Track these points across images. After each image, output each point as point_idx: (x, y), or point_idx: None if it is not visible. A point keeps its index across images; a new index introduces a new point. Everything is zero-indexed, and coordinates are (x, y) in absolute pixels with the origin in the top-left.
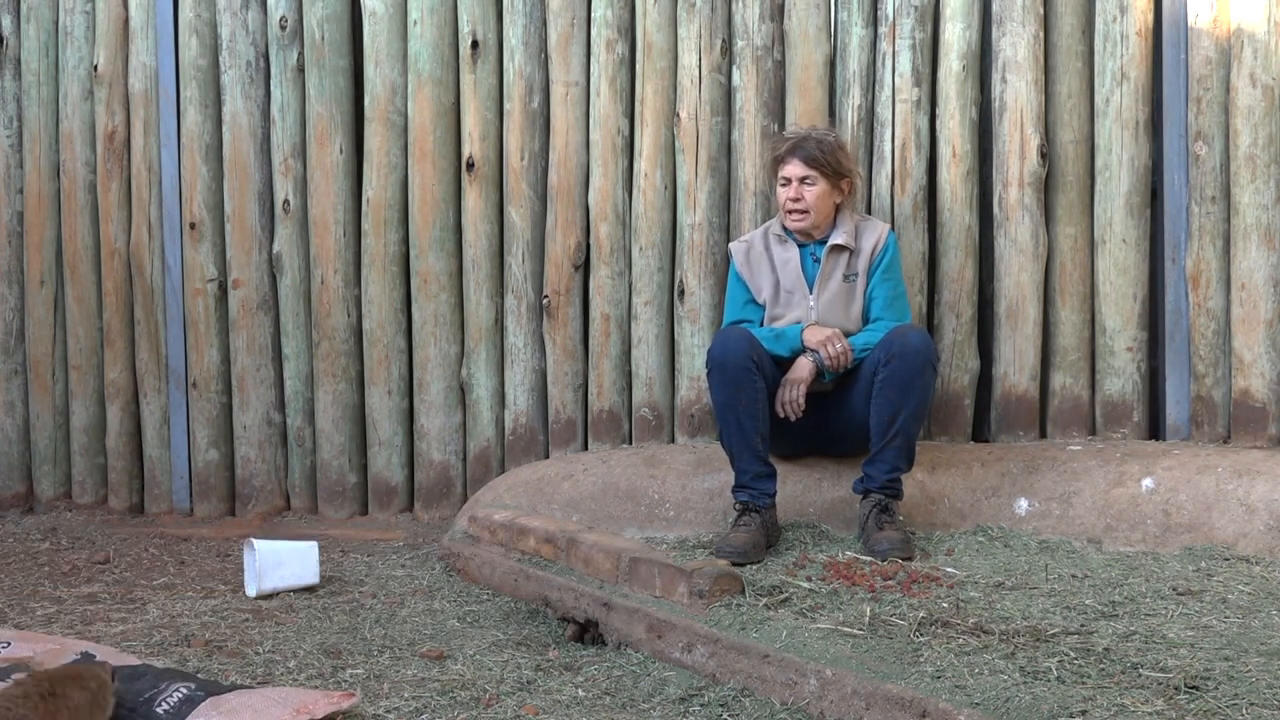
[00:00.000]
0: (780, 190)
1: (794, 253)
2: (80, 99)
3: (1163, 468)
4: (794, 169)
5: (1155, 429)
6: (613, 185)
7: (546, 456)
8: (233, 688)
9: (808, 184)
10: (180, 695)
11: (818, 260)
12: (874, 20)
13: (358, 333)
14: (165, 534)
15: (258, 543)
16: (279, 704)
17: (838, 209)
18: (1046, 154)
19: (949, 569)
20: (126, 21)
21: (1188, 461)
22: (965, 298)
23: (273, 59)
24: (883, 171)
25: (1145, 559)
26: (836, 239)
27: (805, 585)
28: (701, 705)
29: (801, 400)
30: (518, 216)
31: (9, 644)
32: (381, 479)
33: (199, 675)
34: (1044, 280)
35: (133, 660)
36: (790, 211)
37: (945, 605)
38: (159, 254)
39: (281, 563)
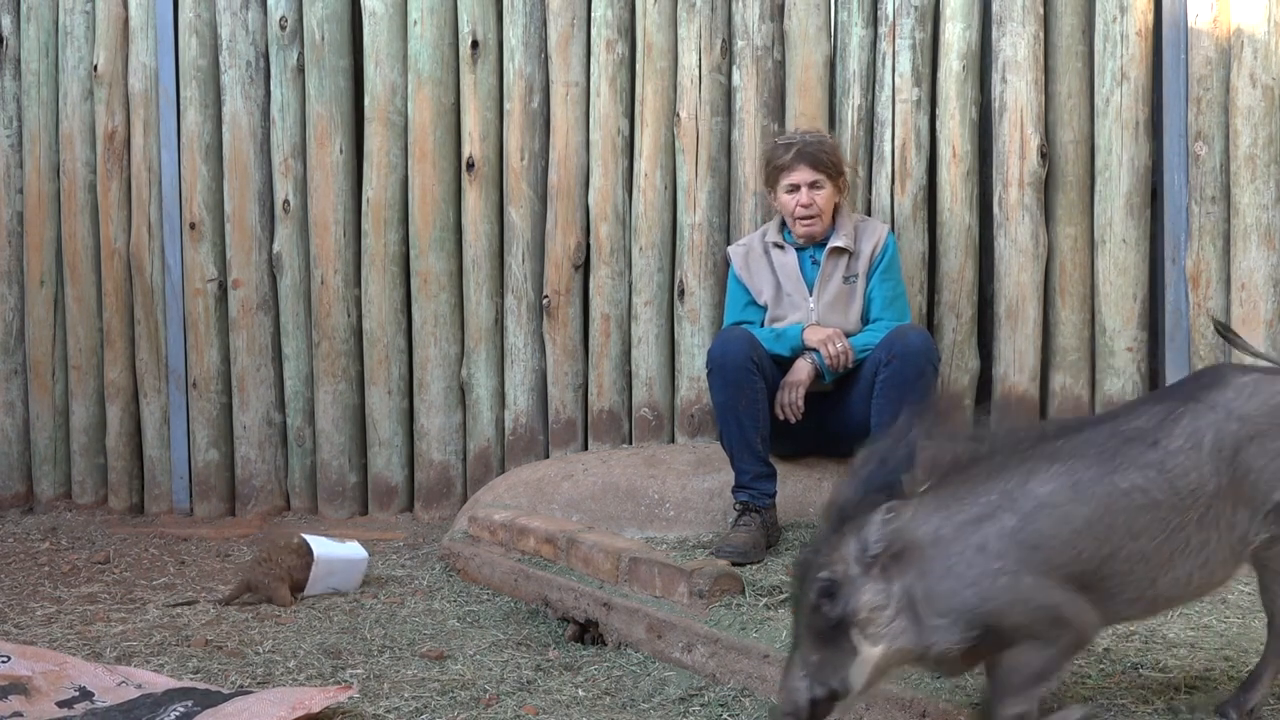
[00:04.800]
0: (786, 198)
1: (792, 256)
2: (80, 99)
3: None
4: (803, 174)
5: None
6: (613, 185)
7: (546, 456)
8: (230, 696)
9: (817, 188)
10: (176, 715)
11: (816, 263)
12: (874, 20)
13: (358, 333)
14: (165, 534)
15: (317, 553)
16: (275, 703)
17: (836, 208)
18: (1046, 154)
19: None
20: (126, 21)
21: None
22: (965, 298)
23: (273, 59)
24: (883, 171)
25: None
26: (836, 241)
27: None
28: (701, 705)
29: (801, 403)
30: (518, 216)
31: (9, 659)
32: (381, 479)
33: (203, 686)
34: (1044, 280)
35: (132, 693)
36: (802, 218)
37: None
38: (159, 254)
39: (332, 573)
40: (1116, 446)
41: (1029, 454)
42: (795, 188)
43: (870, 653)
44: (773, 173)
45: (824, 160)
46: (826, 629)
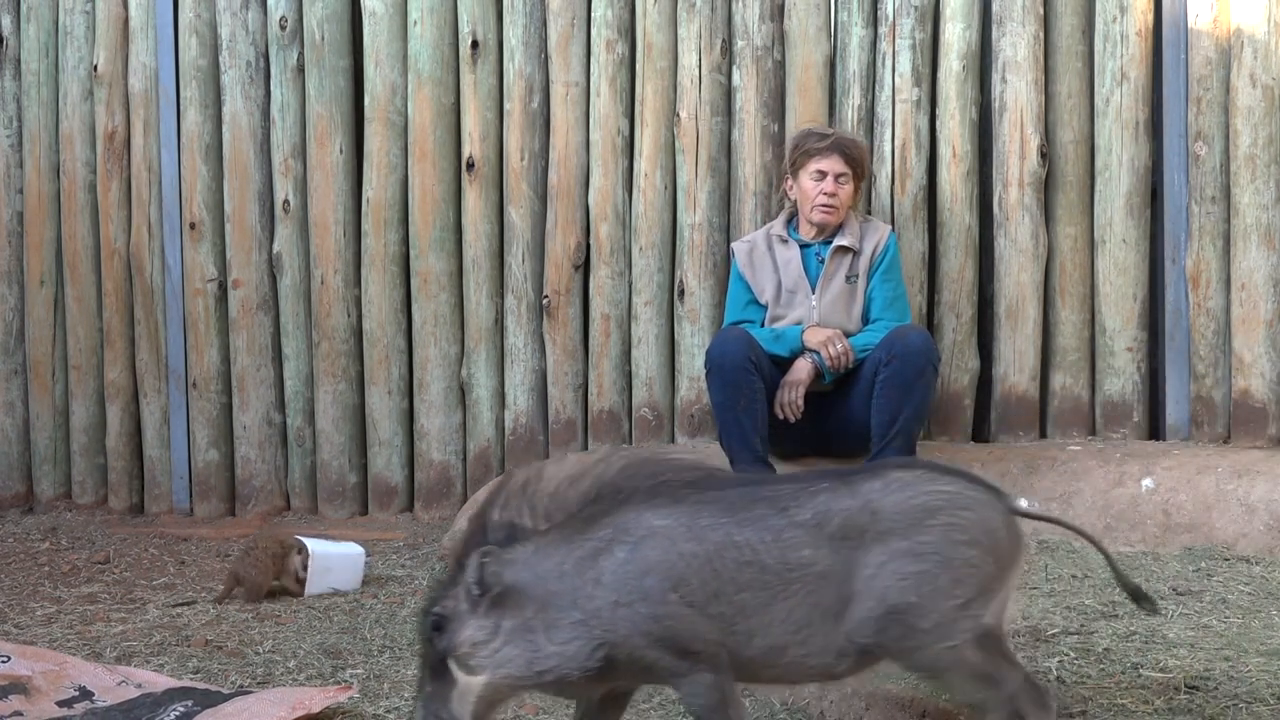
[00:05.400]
0: (810, 183)
1: (795, 253)
2: (80, 99)
3: (1163, 468)
4: (834, 164)
5: (1155, 429)
6: (613, 185)
7: (546, 456)
8: (230, 696)
9: (842, 181)
10: (176, 715)
11: (821, 260)
12: (874, 20)
13: (358, 333)
14: (165, 534)
15: (312, 549)
16: (275, 703)
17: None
18: (1046, 154)
19: None
20: (126, 21)
21: (1188, 461)
22: (965, 298)
23: (273, 59)
24: (883, 171)
25: (1145, 559)
26: (841, 240)
27: None
28: None
29: (800, 402)
30: (518, 216)
31: (9, 659)
32: (381, 479)
33: (202, 686)
34: (1044, 280)
35: (132, 693)
36: (822, 206)
37: None
38: (159, 254)
39: (329, 569)
40: (747, 503)
41: (658, 493)
42: (822, 175)
43: (469, 683)
44: (801, 157)
45: (856, 157)
46: (437, 662)
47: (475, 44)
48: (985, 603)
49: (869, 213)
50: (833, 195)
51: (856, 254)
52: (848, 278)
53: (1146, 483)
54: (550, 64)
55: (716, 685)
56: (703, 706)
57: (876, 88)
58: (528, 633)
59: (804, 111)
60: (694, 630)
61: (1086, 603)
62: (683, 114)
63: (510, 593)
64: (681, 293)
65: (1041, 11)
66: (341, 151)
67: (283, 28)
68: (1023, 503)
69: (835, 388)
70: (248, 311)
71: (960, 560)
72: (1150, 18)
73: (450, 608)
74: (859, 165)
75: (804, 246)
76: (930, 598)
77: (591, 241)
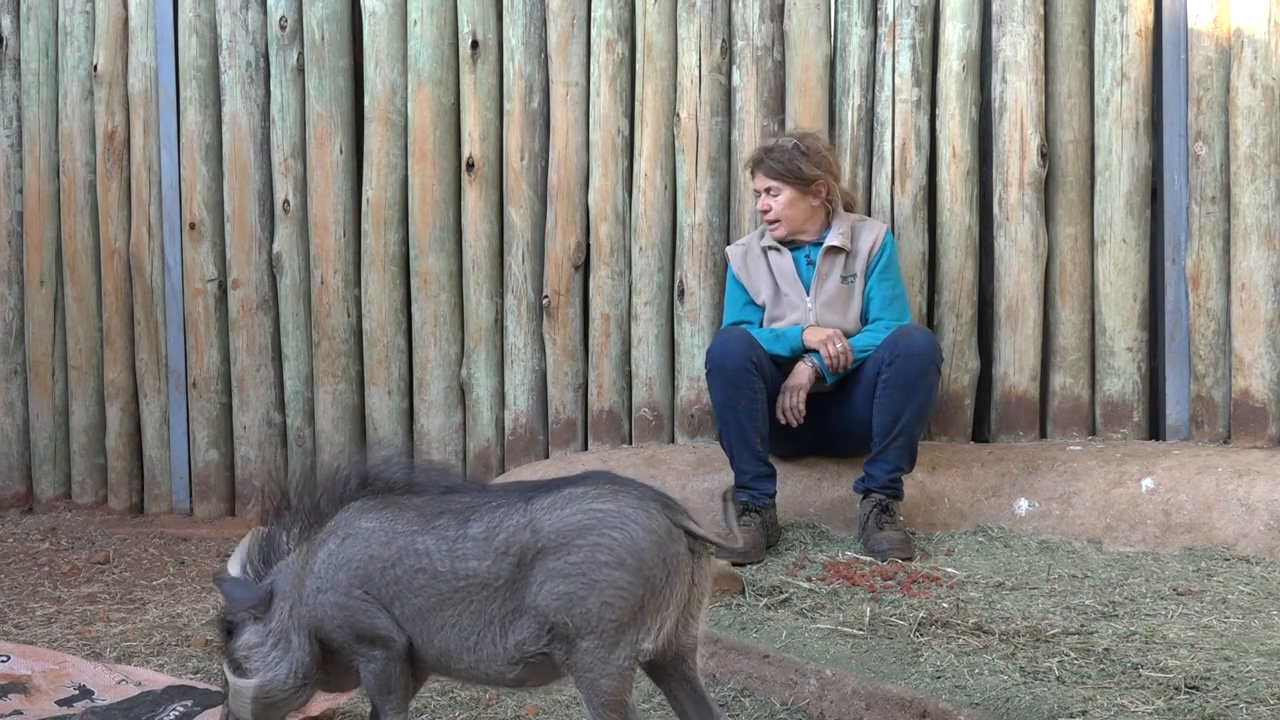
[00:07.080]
0: (757, 203)
1: (787, 257)
2: (80, 99)
3: (1163, 468)
4: (758, 181)
5: (1155, 429)
6: (613, 185)
7: (546, 456)
8: None
9: (772, 194)
10: (176, 714)
11: (812, 263)
12: (874, 20)
13: (358, 333)
14: (165, 534)
15: None
16: None
17: (828, 211)
18: (1046, 154)
19: (949, 569)
20: (126, 21)
21: (1188, 461)
22: (965, 298)
23: (273, 59)
24: (883, 171)
25: (1145, 559)
26: (831, 241)
27: (805, 585)
28: None
29: (802, 406)
30: (518, 216)
31: (8, 658)
32: None
33: (202, 685)
34: (1044, 280)
35: (131, 691)
36: (765, 223)
37: (945, 605)
38: (159, 254)
39: None
40: (436, 513)
41: (384, 501)
42: (758, 193)
43: (240, 684)
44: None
45: (774, 169)
46: (228, 664)
47: (475, 44)
48: (642, 627)
49: (868, 213)
50: (766, 211)
51: (850, 254)
52: (843, 278)
53: (1147, 483)
54: (550, 64)
55: (385, 669)
56: (372, 685)
57: (876, 88)
58: (284, 633)
59: (804, 111)
60: (372, 621)
61: (1086, 603)
62: (683, 114)
63: (274, 598)
64: (681, 293)
65: (1041, 11)
66: (341, 151)
67: (283, 28)
68: (1023, 502)
69: (837, 388)
70: (248, 311)
71: (605, 582)
72: (1150, 18)
73: (237, 616)
74: (783, 175)
75: (795, 250)
76: (583, 619)
77: (591, 241)
